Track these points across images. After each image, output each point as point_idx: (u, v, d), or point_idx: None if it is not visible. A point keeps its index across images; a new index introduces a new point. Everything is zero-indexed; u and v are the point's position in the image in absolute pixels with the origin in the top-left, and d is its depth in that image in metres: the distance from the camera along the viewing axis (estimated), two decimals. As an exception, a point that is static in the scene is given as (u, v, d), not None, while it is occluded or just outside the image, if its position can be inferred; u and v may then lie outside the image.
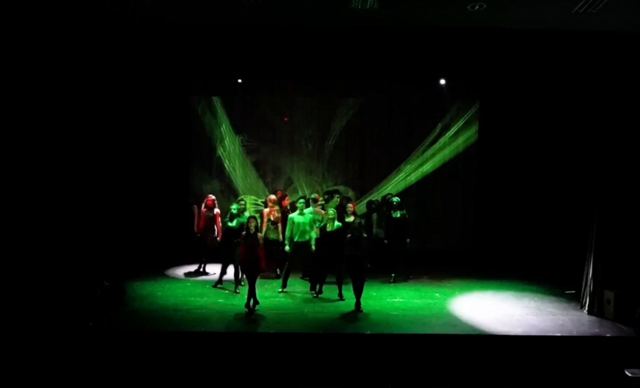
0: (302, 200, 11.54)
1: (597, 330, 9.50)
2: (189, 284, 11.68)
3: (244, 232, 10.26)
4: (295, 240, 11.14)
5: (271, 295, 11.00)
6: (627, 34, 10.20)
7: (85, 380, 7.80)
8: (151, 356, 8.51)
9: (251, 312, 10.02)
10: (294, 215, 11.26)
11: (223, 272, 11.53)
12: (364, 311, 10.09)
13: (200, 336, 9.09)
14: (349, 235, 10.28)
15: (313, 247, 11.12)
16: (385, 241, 12.18)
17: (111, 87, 11.98)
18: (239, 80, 14.27)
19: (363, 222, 11.75)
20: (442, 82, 14.16)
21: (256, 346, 8.93)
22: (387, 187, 14.51)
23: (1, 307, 9.52)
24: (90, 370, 7.98)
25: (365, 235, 10.39)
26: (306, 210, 11.36)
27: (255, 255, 10.07)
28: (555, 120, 13.03)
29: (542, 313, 10.33)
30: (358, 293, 10.21)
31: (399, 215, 12.02)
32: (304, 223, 11.16)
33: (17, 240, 10.32)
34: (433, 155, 14.82)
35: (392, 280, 11.90)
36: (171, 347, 8.71)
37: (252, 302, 10.12)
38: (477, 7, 9.17)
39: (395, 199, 12.31)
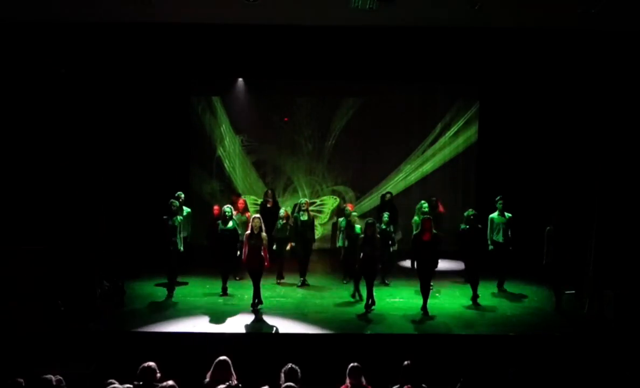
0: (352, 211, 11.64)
1: (596, 330, 9.50)
2: (189, 284, 11.67)
3: (248, 232, 10.25)
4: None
5: (271, 295, 10.99)
6: (627, 33, 10.20)
7: (86, 380, 7.79)
8: (151, 356, 8.49)
9: (254, 312, 10.02)
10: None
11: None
12: (369, 311, 10.10)
13: (200, 336, 9.09)
14: (362, 234, 10.29)
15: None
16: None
17: (111, 87, 11.96)
18: (244, 79, 14.28)
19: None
20: (442, 86, 14.19)
21: (256, 346, 8.93)
22: (387, 187, 14.49)
23: (1, 307, 9.51)
24: (90, 370, 7.97)
25: (378, 235, 10.38)
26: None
27: (259, 255, 10.06)
28: (555, 120, 13.02)
29: (541, 313, 10.33)
30: (369, 292, 10.22)
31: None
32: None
33: (18, 240, 10.31)
34: (433, 155, 14.81)
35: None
36: (171, 347, 8.71)
37: (256, 301, 10.13)
38: (477, 7, 9.16)
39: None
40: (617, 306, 9.74)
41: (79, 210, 10.61)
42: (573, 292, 11.15)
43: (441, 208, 13.26)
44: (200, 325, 9.52)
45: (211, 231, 11.69)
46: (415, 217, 11.90)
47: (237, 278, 11.67)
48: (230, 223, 10.81)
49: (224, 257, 10.86)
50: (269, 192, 13.26)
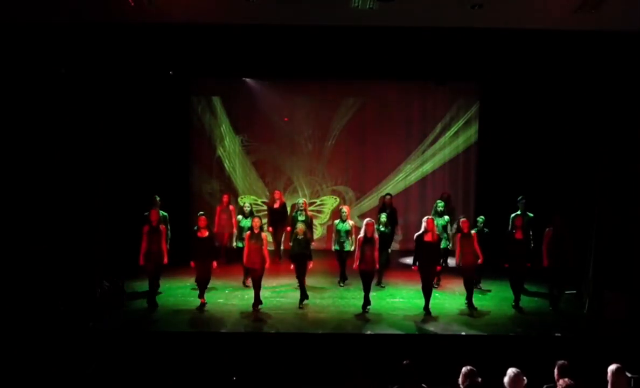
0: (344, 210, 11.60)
1: (597, 330, 9.50)
2: (188, 284, 11.65)
3: (248, 233, 10.26)
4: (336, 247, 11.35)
5: (271, 295, 10.99)
6: (627, 34, 10.19)
7: (85, 380, 7.80)
8: (151, 356, 8.51)
9: (255, 312, 10.02)
10: (337, 222, 11.47)
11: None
12: (366, 312, 10.09)
13: (200, 336, 9.10)
14: (361, 234, 10.27)
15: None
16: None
17: (112, 87, 11.97)
18: (244, 79, 14.26)
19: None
20: (442, 87, 14.17)
21: (256, 346, 8.94)
22: (387, 187, 14.49)
23: (1, 307, 9.52)
24: (90, 370, 7.97)
25: (376, 236, 10.36)
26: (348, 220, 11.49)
27: (260, 255, 10.07)
28: (555, 120, 13.01)
29: (542, 313, 10.33)
30: (366, 292, 10.21)
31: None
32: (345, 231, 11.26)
33: (18, 240, 10.32)
34: (433, 155, 14.80)
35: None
36: (171, 347, 8.72)
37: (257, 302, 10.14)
38: (477, 7, 9.16)
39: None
40: (617, 306, 9.74)
41: (79, 210, 10.62)
42: (573, 292, 11.15)
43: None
44: (200, 325, 9.52)
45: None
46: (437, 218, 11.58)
47: (245, 284, 11.41)
48: (207, 233, 10.50)
49: (199, 265, 10.44)
50: (276, 192, 13.20)
